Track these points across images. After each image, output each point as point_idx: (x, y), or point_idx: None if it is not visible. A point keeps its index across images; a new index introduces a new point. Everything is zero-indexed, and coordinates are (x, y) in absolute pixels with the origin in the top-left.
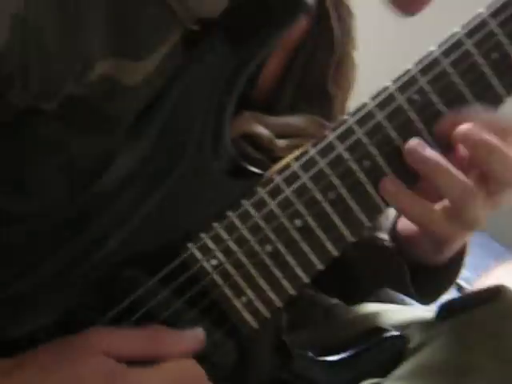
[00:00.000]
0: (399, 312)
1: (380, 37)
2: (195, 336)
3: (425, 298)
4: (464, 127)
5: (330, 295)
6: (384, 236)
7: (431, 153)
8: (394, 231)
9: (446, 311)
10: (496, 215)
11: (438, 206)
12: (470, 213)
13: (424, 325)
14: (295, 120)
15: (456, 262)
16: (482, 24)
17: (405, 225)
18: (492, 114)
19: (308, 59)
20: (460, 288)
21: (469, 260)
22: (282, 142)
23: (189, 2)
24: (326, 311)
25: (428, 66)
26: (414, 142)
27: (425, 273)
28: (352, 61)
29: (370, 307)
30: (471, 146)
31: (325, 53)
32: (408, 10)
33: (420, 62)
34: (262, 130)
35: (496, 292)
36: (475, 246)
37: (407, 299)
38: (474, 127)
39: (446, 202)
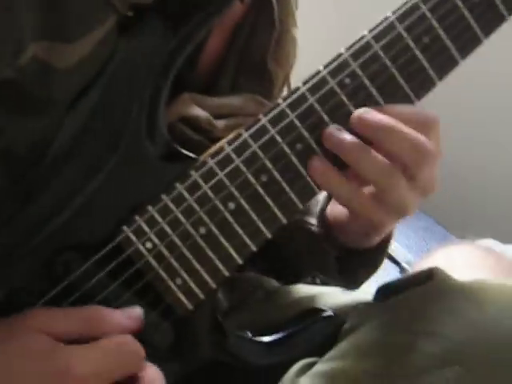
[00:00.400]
0: (338, 295)
1: (320, 21)
2: (133, 314)
3: (349, 282)
4: (359, 111)
5: (267, 274)
6: (312, 221)
7: (347, 136)
8: (322, 216)
9: (382, 293)
10: (440, 200)
11: (366, 190)
12: (393, 195)
13: (360, 306)
14: (233, 99)
15: (381, 248)
16: (414, 8)
17: (334, 210)
18: (409, 108)
19: (248, 37)
20: (402, 270)
21: (412, 243)
22: (220, 123)
23: None
24: (268, 294)
25: (359, 50)
26: (331, 127)
27: (350, 256)
28: (292, 38)
29: (311, 290)
30: (365, 127)
31: (265, 30)
32: None
33: (352, 46)
34: (199, 111)
35: (430, 274)
36: (419, 230)
37: None
38: (369, 111)
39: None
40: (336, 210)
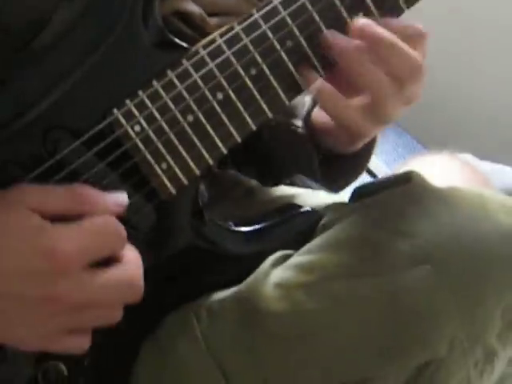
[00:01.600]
0: (315, 195)
1: None
2: (118, 197)
3: (332, 186)
4: (360, 21)
5: (248, 176)
6: (298, 123)
7: (352, 43)
8: (308, 119)
9: (358, 194)
10: (420, 118)
11: (354, 101)
12: (384, 106)
13: (337, 205)
14: None
15: (365, 152)
16: None
17: (320, 114)
18: (400, 21)
19: None
20: None
21: (391, 159)
22: (213, 20)
23: None
24: (247, 191)
25: None
26: (332, 32)
27: (334, 160)
28: None
29: (288, 190)
30: (366, 38)
31: None
32: None
33: None
34: (193, 6)
35: (406, 177)
36: (398, 146)
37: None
38: (369, 23)
39: (361, 98)
40: (321, 114)
